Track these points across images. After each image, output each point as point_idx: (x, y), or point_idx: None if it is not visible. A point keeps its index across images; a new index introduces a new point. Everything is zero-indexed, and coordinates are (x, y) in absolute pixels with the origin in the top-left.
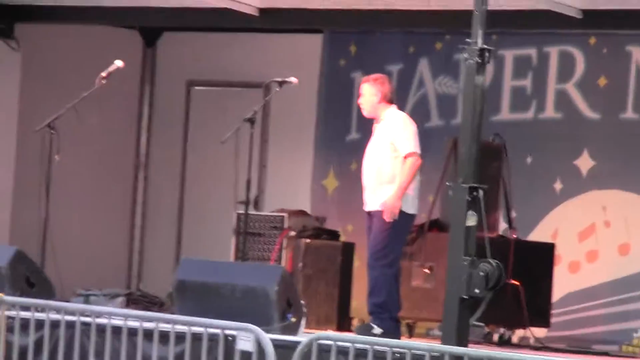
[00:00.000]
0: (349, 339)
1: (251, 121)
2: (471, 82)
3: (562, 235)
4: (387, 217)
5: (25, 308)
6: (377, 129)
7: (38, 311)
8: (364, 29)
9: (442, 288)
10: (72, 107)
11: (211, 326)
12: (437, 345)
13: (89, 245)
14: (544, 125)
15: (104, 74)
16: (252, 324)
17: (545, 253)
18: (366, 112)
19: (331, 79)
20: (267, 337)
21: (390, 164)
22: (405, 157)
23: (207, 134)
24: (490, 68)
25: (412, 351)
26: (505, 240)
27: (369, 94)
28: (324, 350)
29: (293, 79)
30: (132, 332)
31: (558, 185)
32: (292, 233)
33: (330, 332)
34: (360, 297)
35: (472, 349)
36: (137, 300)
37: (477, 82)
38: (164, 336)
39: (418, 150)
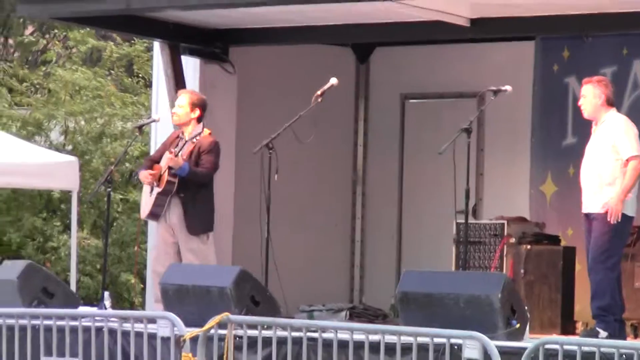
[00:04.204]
0: (576, 342)
1: (468, 131)
2: None
3: None
4: (612, 220)
5: (252, 326)
6: (596, 131)
7: (264, 329)
8: (577, 33)
9: None
10: (289, 127)
11: (437, 335)
12: None
13: (310, 262)
14: None
15: (319, 92)
16: (476, 332)
17: None
18: (587, 114)
19: (545, 84)
20: (493, 344)
21: (611, 166)
22: (628, 161)
23: (422, 145)
24: None
25: None
26: None
27: (592, 95)
28: (550, 355)
29: (507, 87)
30: (358, 345)
31: None
32: (512, 240)
33: (556, 336)
34: (582, 301)
35: None
36: (361, 313)
37: None
38: (390, 348)
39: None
